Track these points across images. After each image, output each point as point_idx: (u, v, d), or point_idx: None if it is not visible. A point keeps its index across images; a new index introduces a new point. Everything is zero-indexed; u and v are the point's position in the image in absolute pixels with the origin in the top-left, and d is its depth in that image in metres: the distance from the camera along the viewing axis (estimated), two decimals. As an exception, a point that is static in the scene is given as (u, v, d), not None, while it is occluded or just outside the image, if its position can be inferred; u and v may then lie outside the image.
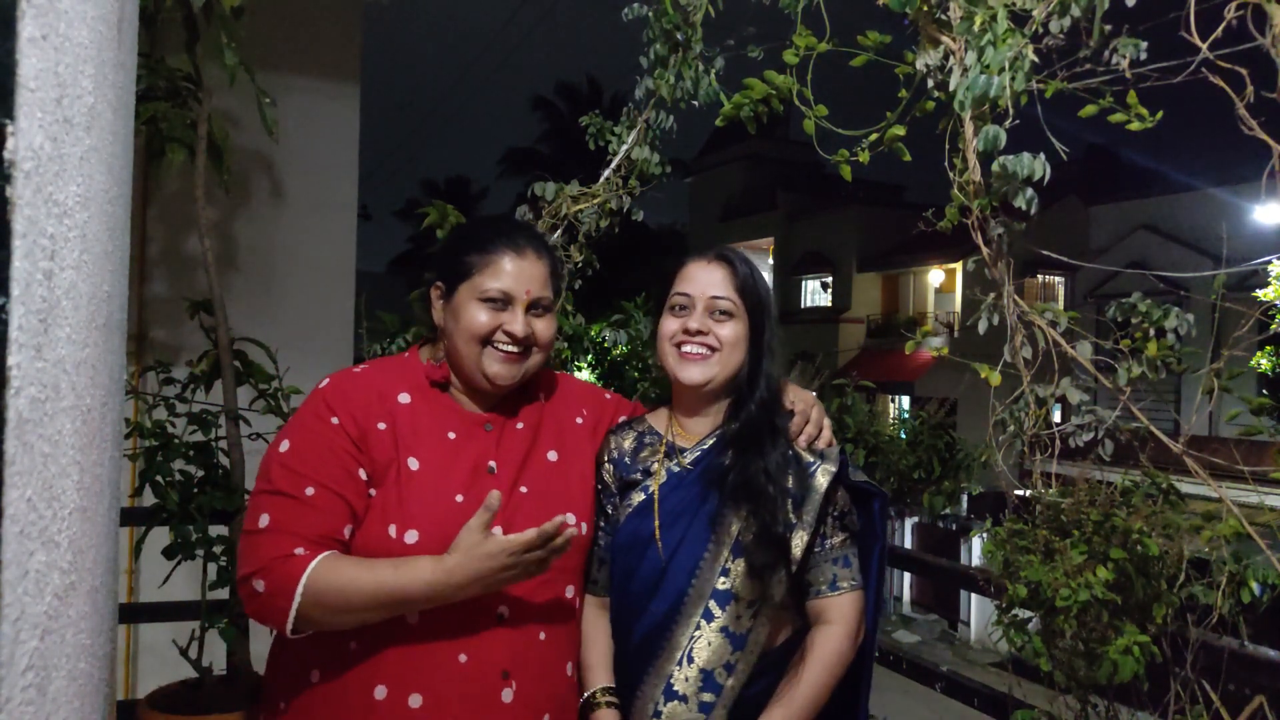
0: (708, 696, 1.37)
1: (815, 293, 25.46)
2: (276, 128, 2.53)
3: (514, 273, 1.36)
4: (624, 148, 2.50)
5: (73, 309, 0.95)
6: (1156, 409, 1.97)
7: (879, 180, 25.51)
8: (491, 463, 1.36)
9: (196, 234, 2.42)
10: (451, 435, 1.35)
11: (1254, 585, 1.62)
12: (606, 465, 1.55)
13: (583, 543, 1.43)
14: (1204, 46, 1.55)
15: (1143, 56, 1.68)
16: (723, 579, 1.40)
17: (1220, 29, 1.53)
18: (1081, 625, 1.63)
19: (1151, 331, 1.71)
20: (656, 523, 1.44)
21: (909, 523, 16.47)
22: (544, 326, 1.40)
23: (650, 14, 2.36)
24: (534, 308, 1.39)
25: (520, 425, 1.43)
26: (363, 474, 1.27)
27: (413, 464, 1.29)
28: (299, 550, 1.19)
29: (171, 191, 3.01)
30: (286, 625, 1.19)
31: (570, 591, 1.40)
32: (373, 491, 1.27)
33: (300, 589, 1.17)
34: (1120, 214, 20.93)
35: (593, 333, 5.02)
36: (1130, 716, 1.74)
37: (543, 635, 1.33)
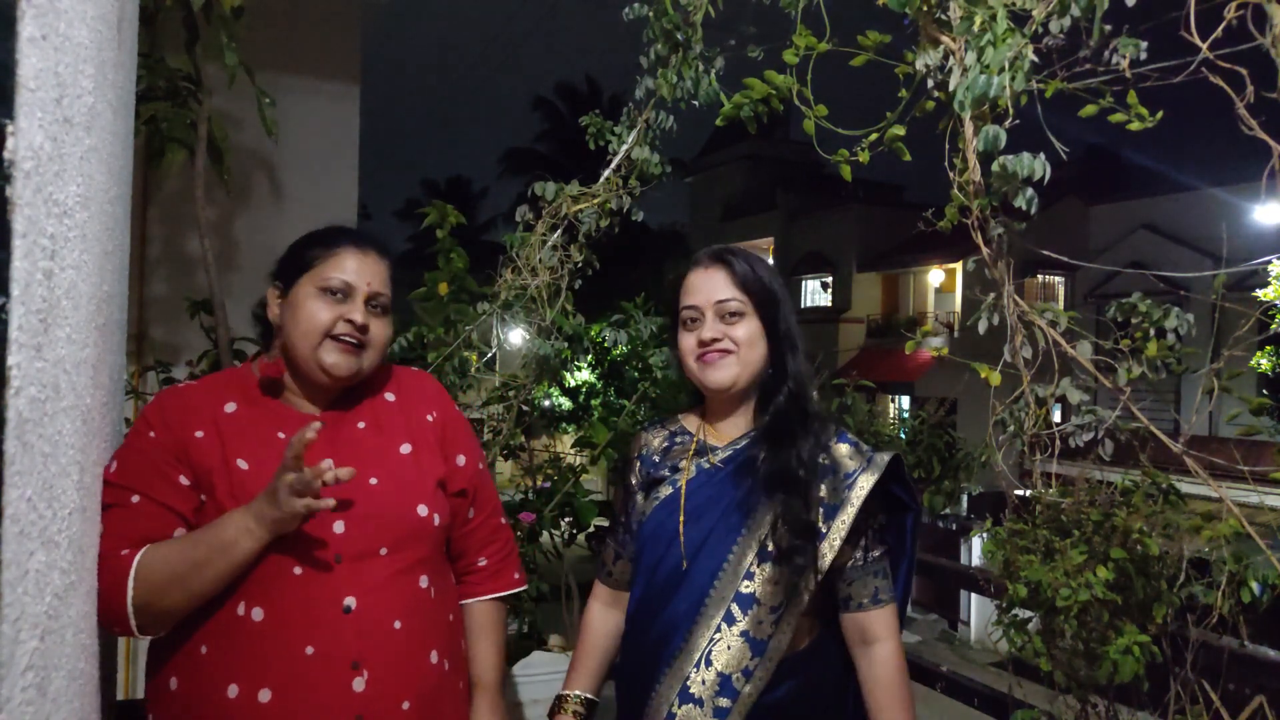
0: (724, 702, 1.35)
1: (815, 293, 25.46)
2: (276, 128, 2.53)
3: (356, 267, 1.40)
4: (624, 148, 2.50)
5: (73, 309, 0.95)
6: (1156, 409, 1.97)
7: (879, 180, 25.52)
8: (328, 460, 1.35)
9: (196, 234, 2.42)
10: (281, 435, 1.37)
11: (1254, 585, 1.62)
12: (635, 461, 1.55)
13: (434, 534, 1.42)
14: (1204, 46, 1.55)
15: (1143, 56, 1.68)
16: (747, 582, 1.39)
17: (1220, 29, 1.53)
18: (1081, 625, 1.63)
19: (1151, 331, 1.71)
20: (681, 518, 1.44)
21: (909, 523, 16.43)
22: (379, 326, 1.42)
23: (650, 14, 2.36)
24: (373, 304, 1.41)
25: (362, 424, 1.44)
26: (185, 480, 1.31)
27: (241, 464, 1.32)
28: (124, 551, 1.23)
29: (171, 191, 3.01)
30: (129, 621, 1.20)
31: (424, 582, 1.40)
32: (204, 498, 1.31)
33: (131, 579, 1.20)
34: (1120, 214, 20.92)
35: (593, 333, 5.01)
36: (1130, 716, 1.74)
37: (398, 624, 1.33)
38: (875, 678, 1.40)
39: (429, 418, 1.51)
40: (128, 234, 1.43)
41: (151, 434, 1.32)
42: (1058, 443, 1.77)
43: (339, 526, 1.32)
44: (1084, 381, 1.76)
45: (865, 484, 1.42)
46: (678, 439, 1.54)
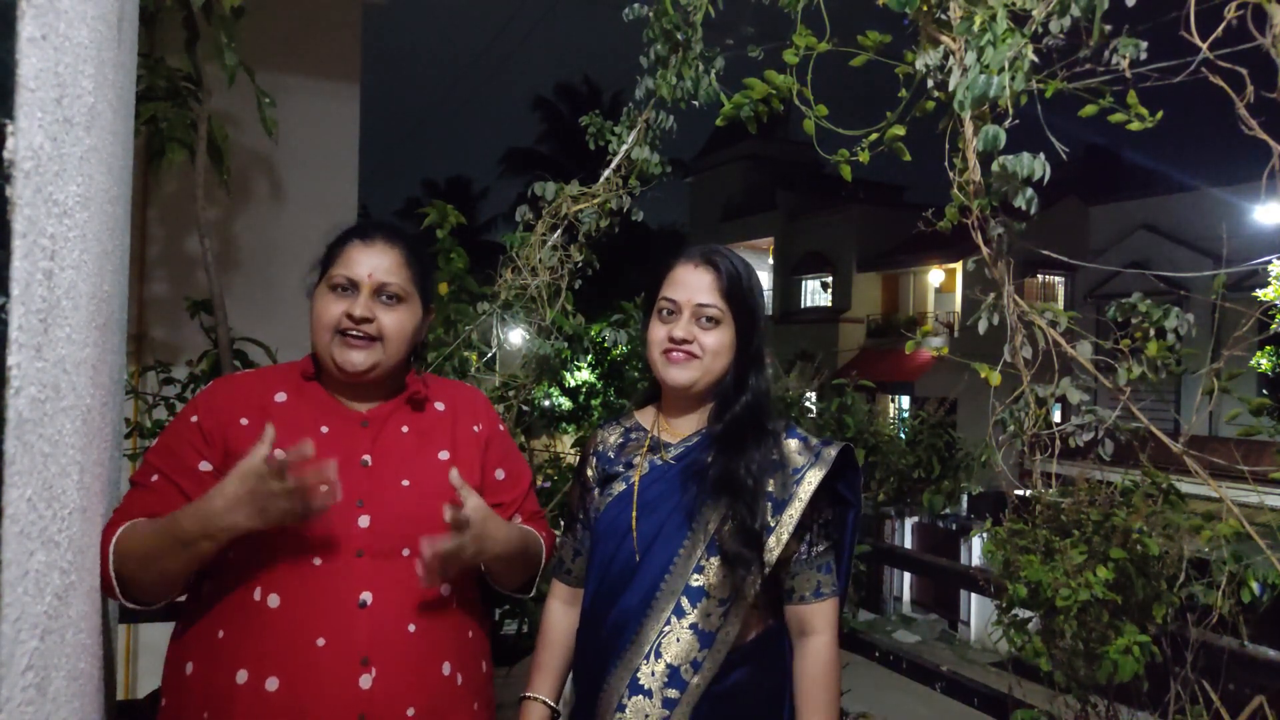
0: (672, 693, 1.37)
1: (815, 293, 25.43)
2: (276, 128, 2.53)
3: (359, 259, 1.40)
4: (624, 148, 2.50)
5: (73, 309, 0.95)
6: (1156, 409, 1.97)
7: (879, 180, 25.48)
8: (365, 456, 1.38)
9: (196, 234, 2.42)
10: (324, 429, 1.38)
11: (1254, 585, 1.62)
12: (590, 458, 1.57)
13: None
14: (1204, 46, 1.56)
15: (1143, 56, 1.68)
16: (696, 576, 1.41)
17: (1220, 29, 1.53)
18: (1081, 625, 1.63)
19: (1151, 331, 1.72)
20: (634, 513, 1.45)
21: (909, 523, 16.47)
22: (392, 318, 1.41)
23: (650, 14, 2.36)
24: (382, 295, 1.40)
25: (405, 429, 1.45)
26: (205, 466, 1.32)
27: (280, 455, 1.30)
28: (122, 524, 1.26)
29: (171, 191, 3.01)
30: (115, 589, 1.23)
31: (446, 590, 1.39)
32: None
33: (111, 550, 1.22)
34: (1120, 214, 20.91)
35: (593, 333, 5.01)
36: (1130, 716, 1.74)
37: (412, 628, 1.32)
38: (804, 670, 1.43)
39: (474, 429, 1.52)
40: (128, 234, 1.43)
41: (194, 418, 1.35)
42: (1058, 443, 1.77)
43: (364, 521, 1.32)
44: (1084, 381, 1.77)
45: (813, 480, 1.44)
46: (633, 435, 1.56)
